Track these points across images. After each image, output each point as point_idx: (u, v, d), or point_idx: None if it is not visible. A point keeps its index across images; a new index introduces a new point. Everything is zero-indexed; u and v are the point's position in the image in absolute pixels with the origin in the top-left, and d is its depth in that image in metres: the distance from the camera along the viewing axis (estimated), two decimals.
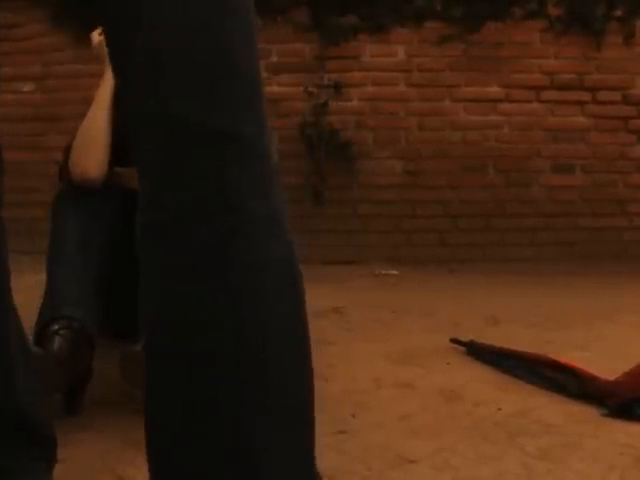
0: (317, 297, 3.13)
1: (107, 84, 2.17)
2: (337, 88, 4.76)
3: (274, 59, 4.77)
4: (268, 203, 0.94)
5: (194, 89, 0.93)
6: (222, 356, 0.90)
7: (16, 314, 1.35)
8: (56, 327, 1.90)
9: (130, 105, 1.07)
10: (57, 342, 1.85)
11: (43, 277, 2.07)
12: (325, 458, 1.67)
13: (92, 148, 2.13)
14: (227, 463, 0.89)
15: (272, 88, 4.74)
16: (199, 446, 0.89)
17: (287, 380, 0.96)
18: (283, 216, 0.97)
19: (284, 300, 0.96)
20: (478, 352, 2.50)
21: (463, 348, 2.56)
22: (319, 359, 2.45)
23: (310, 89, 4.73)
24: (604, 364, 2.29)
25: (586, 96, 5.02)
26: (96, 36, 2.29)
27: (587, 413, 2.00)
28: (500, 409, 2.01)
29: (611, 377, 2.13)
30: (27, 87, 4.87)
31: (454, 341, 2.61)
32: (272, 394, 0.93)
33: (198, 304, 0.91)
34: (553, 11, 4.91)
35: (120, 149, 2.17)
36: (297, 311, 0.98)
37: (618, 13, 4.93)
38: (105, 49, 2.26)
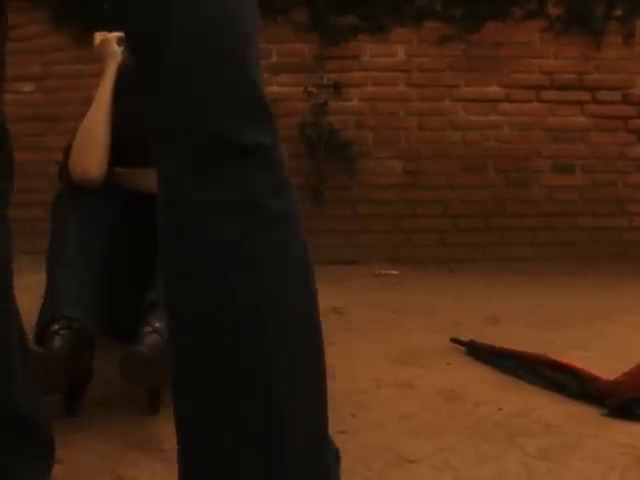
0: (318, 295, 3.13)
1: (106, 84, 2.18)
2: (337, 88, 4.76)
3: (274, 59, 4.77)
4: (284, 203, 0.99)
5: (221, 107, 0.99)
6: (245, 356, 0.95)
7: (17, 314, 1.35)
8: (56, 327, 1.90)
9: (153, 115, 1.10)
10: (57, 342, 1.85)
11: (43, 277, 2.07)
12: None
13: (91, 148, 2.13)
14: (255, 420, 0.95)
15: (272, 88, 4.73)
16: (231, 420, 0.96)
17: (301, 381, 0.99)
18: (299, 217, 1.02)
19: (300, 299, 1.02)
20: (478, 352, 2.50)
21: (463, 348, 2.57)
22: None
23: (310, 89, 4.73)
24: (604, 364, 2.29)
25: (586, 96, 5.02)
26: (98, 36, 2.29)
27: (587, 413, 2.00)
28: (500, 409, 2.01)
29: (611, 377, 2.13)
30: (27, 87, 4.88)
31: (454, 341, 2.61)
32: (287, 396, 0.97)
33: (218, 302, 0.96)
34: (553, 11, 4.91)
35: (120, 149, 2.18)
36: (311, 311, 1.05)
37: (618, 13, 4.93)
38: (106, 49, 2.27)
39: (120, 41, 2.26)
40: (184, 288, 1.01)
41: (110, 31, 2.30)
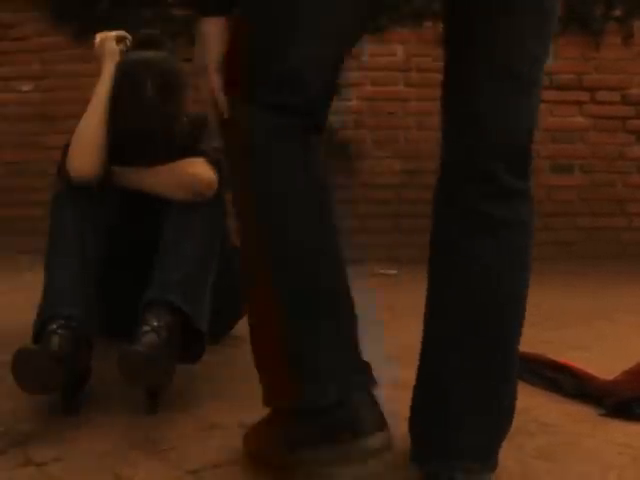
0: None
1: (104, 84, 2.17)
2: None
3: None
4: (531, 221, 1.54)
5: (507, 155, 1.52)
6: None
7: None
8: (54, 326, 1.90)
9: (450, 142, 1.60)
10: (55, 341, 1.85)
11: (42, 276, 2.07)
12: None
13: (88, 147, 2.13)
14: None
15: None
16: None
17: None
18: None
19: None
20: None
21: None
22: None
23: None
24: (603, 364, 2.29)
25: (585, 96, 5.03)
26: (99, 36, 2.29)
27: (585, 413, 2.00)
28: None
29: (610, 377, 2.13)
30: (26, 86, 4.87)
31: None
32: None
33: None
34: None
35: (117, 148, 2.17)
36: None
37: (617, 13, 4.93)
38: (105, 48, 2.27)
39: (119, 40, 2.26)
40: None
41: (109, 30, 2.30)
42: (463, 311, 1.49)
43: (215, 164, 2.16)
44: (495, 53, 1.52)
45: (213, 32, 1.63)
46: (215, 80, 1.56)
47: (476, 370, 1.48)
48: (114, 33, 2.27)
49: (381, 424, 1.47)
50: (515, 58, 1.53)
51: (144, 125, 2.14)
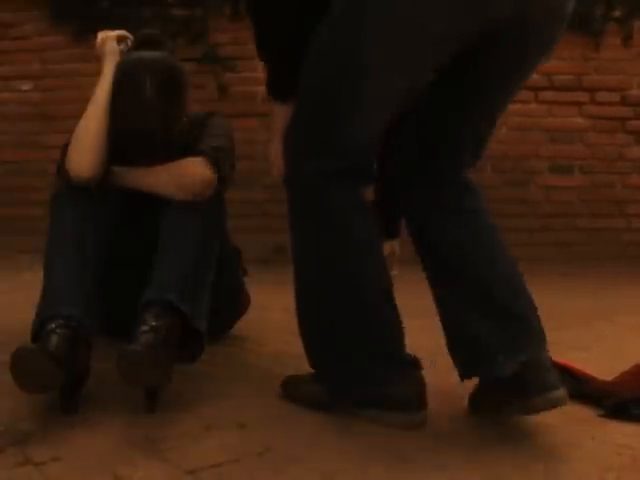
0: None
1: (104, 83, 2.17)
2: None
3: None
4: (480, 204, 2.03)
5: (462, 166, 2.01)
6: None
7: None
8: (53, 326, 1.89)
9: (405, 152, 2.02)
10: (54, 340, 1.85)
11: (41, 276, 2.07)
12: (324, 458, 1.67)
13: (87, 147, 2.13)
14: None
15: None
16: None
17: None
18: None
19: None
20: None
21: None
22: None
23: None
24: (603, 365, 2.29)
25: (584, 97, 5.03)
26: (100, 36, 2.29)
27: (584, 414, 2.00)
28: None
29: (609, 378, 2.13)
30: (26, 86, 4.87)
31: None
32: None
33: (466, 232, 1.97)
34: None
35: (117, 148, 2.17)
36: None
37: (617, 14, 4.94)
38: (106, 47, 2.27)
39: (120, 40, 2.26)
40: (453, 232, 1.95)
41: (110, 29, 2.30)
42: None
43: (214, 164, 2.16)
44: (487, 102, 1.93)
45: (277, 111, 1.94)
46: (275, 148, 1.93)
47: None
48: (115, 33, 2.27)
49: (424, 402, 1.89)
50: (503, 107, 1.97)
51: (144, 125, 2.14)
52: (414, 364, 1.91)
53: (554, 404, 1.77)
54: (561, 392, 1.77)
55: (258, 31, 1.84)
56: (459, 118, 1.92)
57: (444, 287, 1.99)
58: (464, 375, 1.96)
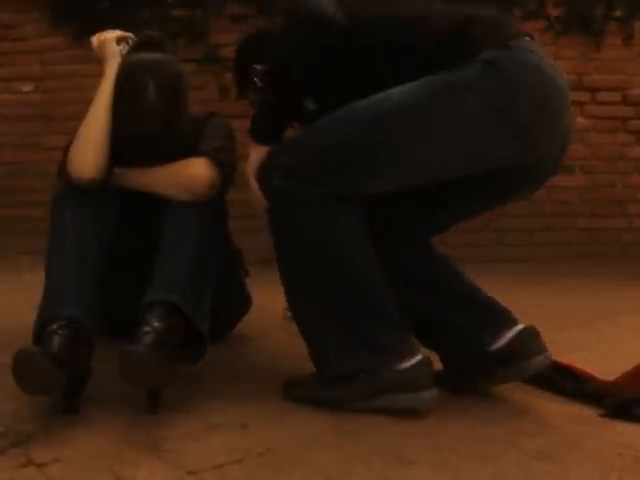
0: None
1: (106, 85, 2.17)
2: None
3: None
4: None
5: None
6: None
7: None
8: (55, 327, 1.90)
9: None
10: (56, 341, 1.85)
11: (43, 277, 2.07)
12: (324, 458, 1.67)
13: (89, 148, 2.13)
14: None
15: None
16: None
17: None
18: None
19: None
20: None
21: None
22: None
23: None
24: (604, 365, 2.29)
25: (585, 96, 5.02)
26: (96, 38, 2.29)
27: (586, 414, 2.00)
28: (497, 409, 2.01)
29: (610, 378, 2.13)
30: (26, 87, 4.87)
31: None
32: None
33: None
34: (552, 11, 4.91)
35: (119, 149, 2.17)
36: None
37: (617, 14, 4.93)
38: (106, 50, 2.27)
39: (120, 40, 2.26)
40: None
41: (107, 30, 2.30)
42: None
43: (216, 164, 2.16)
44: (480, 211, 2.26)
45: (255, 150, 2.08)
46: (253, 183, 2.07)
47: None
48: (113, 34, 2.27)
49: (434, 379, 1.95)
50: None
51: (145, 129, 2.13)
52: (415, 340, 2.03)
53: (538, 367, 2.03)
54: (542, 357, 2.04)
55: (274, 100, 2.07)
56: (452, 209, 2.19)
57: (420, 297, 2.15)
58: (456, 365, 2.13)
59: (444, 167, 1.94)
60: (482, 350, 2.05)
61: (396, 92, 1.89)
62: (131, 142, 2.18)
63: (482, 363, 2.06)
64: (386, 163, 1.90)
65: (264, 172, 1.98)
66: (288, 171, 1.91)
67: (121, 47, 2.25)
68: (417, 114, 1.88)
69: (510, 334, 2.04)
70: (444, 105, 1.87)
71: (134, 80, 2.13)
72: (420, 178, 1.97)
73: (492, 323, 2.09)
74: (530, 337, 2.05)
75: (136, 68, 2.15)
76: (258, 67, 2.18)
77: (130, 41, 2.28)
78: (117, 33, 2.28)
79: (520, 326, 2.07)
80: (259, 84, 2.15)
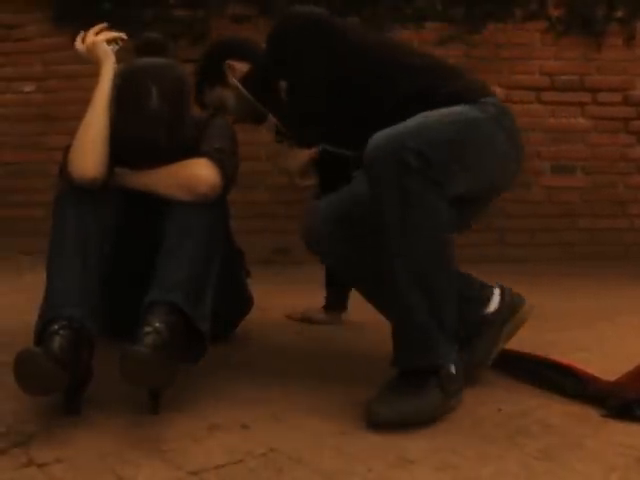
0: (316, 297, 3.13)
1: (104, 85, 2.17)
2: None
3: None
4: None
5: None
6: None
7: None
8: (56, 327, 1.90)
9: None
10: (57, 342, 1.85)
11: (44, 277, 2.07)
12: (325, 458, 1.67)
13: (89, 149, 2.13)
14: None
15: None
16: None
17: None
18: None
19: None
20: None
21: None
22: (319, 359, 2.45)
23: None
24: (605, 365, 2.29)
25: (586, 97, 5.03)
26: (80, 39, 2.29)
27: (587, 414, 2.00)
28: (500, 409, 2.01)
29: (612, 378, 2.13)
30: (28, 87, 4.87)
31: None
32: None
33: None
34: (554, 12, 4.92)
35: (120, 149, 2.17)
36: None
37: (619, 14, 4.94)
38: (99, 51, 2.27)
39: (109, 41, 2.26)
40: None
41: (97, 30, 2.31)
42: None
43: (218, 165, 2.16)
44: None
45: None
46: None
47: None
48: (102, 35, 2.27)
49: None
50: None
51: (148, 135, 2.13)
52: None
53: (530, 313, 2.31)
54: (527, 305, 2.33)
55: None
56: None
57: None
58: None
59: (491, 181, 2.21)
60: (481, 315, 2.24)
61: (462, 108, 2.11)
62: (134, 146, 2.17)
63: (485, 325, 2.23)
64: (468, 168, 2.07)
65: (388, 154, 1.94)
66: (419, 155, 1.93)
67: (112, 47, 2.25)
68: (483, 130, 2.13)
69: (496, 297, 2.28)
70: (490, 127, 2.16)
71: (137, 86, 2.13)
72: (474, 189, 2.15)
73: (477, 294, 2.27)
74: (510, 292, 2.31)
75: (139, 74, 2.15)
76: (234, 63, 2.49)
77: (119, 41, 2.28)
78: (104, 34, 2.28)
79: (496, 288, 2.30)
80: (284, 98, 2.28)
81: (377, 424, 1.84)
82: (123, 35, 2.31)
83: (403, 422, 1.84)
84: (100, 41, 2.25)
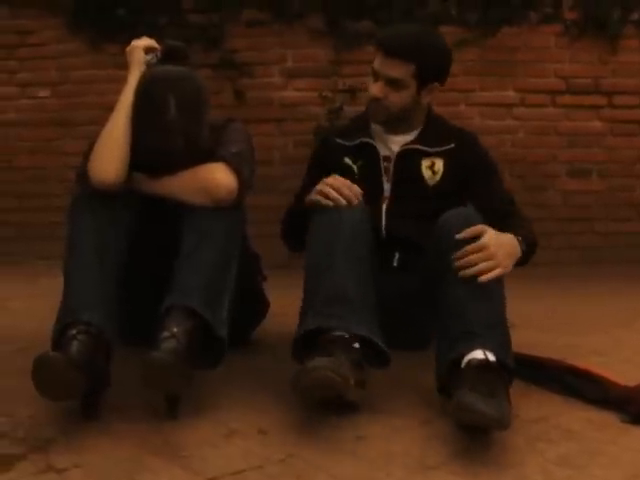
0: None
1: (129, 90, 2.18)
2: (352, 93, 4.75)
3: (289, 64, 4.76)
4: None
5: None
6: None
7: None
8: (74, 332, 1.90)
9: None
10: (75, 347, 1.85)
11: (60, 282, 2.08)
12: (344, 464, 1.66)
13: (111, 153, 2.13)
14: None
15: (288, 93, 4.73)
16: None
17: None
18: None
19: None
20: None
21: None
22: None
23: (325, 94, 4.72)
24: (622, 370, 2.28)
25: (602, 100, 5.00)
26: (133, 43, 2.29)
27: (607, 419, 1.99)
28: (518, 415, 2.00)
29: (630, 383, 2.12)
30: (43, 92, 4.88)
31: None
32: None
33: None
34: (569, 15, 4.89)
35: (139, 155, 2.17)
36: None
37: (634, 17, 4.91)
38: (133, 58, 2.26)
39: (148, 50, 2.26)
40: None
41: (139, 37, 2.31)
42: None
43: (235, 169, 2.16)
44: None
45: None
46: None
47: None
48: (144, 42, 2.27)
49: None
50: None
51: (166, 145, 2.13)
52: None
53: None
54: None
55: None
56: None
57: None
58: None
59: None
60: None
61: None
62: (151, 156, 2.17)
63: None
64: None
65: None
66: None
67: (149, 57, 2.25)
68: None
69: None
70: None
71: (156, 96, 2.13)
72: None
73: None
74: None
75: (158, 84, 2.15)
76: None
77: (158, 53, 2.28)
78: (147, 42, 2.28)
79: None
80: None
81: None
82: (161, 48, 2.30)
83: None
84: (139, 47, 2.25)
